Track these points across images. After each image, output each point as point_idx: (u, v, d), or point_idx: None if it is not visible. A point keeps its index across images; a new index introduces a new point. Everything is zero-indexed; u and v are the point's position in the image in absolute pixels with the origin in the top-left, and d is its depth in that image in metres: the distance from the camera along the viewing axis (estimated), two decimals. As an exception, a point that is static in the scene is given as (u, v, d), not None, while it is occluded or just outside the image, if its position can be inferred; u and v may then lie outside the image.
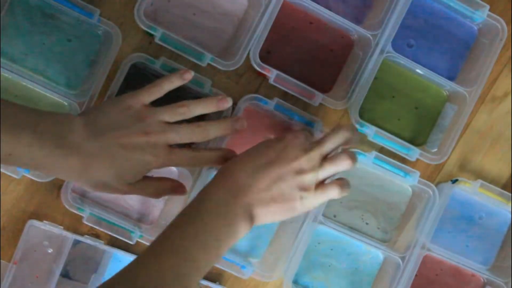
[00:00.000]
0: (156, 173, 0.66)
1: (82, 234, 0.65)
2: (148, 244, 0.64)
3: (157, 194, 0.60)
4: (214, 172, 0.65)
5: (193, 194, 0.64)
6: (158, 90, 0.59)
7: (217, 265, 0.65)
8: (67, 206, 0.62)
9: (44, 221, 0.64)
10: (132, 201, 0.66)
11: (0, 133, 0.49)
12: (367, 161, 0.67)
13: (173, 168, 0.66)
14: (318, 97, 0.65)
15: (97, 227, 0.64)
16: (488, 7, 0.68)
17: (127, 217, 0.66)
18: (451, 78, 0.70)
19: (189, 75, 0.60)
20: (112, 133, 0.55)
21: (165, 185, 0.60)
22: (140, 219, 0.67)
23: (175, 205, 0.65)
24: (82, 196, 0.65)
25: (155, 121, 0.57)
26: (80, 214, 0.63)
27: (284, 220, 0.64)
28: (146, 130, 0.56)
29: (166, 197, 0.66)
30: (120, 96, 0.58)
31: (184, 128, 0.58)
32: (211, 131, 0.59)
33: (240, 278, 0.66)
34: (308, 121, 0.65)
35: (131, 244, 0.65)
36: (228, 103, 0.60)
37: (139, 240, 0.64)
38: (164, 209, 0.67)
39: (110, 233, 0.64)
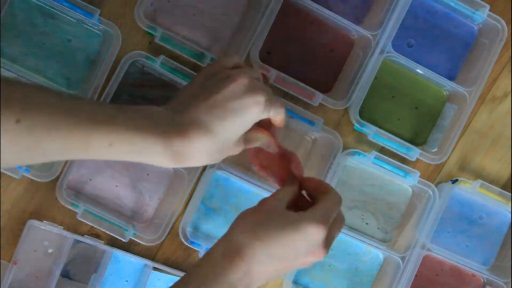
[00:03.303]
0: (152, 172, 0.66)
1: (82, 234, 0.65)
2: (142, 242, 0.64)
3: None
4: (216, 172, 0.65)
5: (196, 192, 0.64)
6: (232, 55, 0.56)
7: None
8: (61, 202, 0.62)
9: (44, 221, 0.64)
10: (127, 199, 0.66)
11: (97, 126, 0.47)
12: (367, 161, 0.67)
13: (169, 168, 0.66)
14: (318, 97, 0.65)
15: (91, 224, 0.64)
16: (488, 7, 0.68)
17: (121, 215, 0.66)
18: (451, 78, 0.70)
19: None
20: (197, 100, 0.51)
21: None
22: (134, 217, 0.67)
23: (169, 204, 0.65)
24: (77, 193, 0.65)
25: (232, 70, 0.53)
26: (75, 210, 0.63)
27: None
28: (230, 78, 0.51)
29: (161, 196, 0.67)
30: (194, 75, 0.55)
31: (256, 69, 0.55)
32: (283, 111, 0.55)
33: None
34: (308, 120, 0.65)
35: (131, 245, 0.65)
36: None
37: (133, 238, 0.64)
38: (158, 208, 0.67)
39: (103, 229, 0.64)
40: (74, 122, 0.46)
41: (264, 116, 0.53)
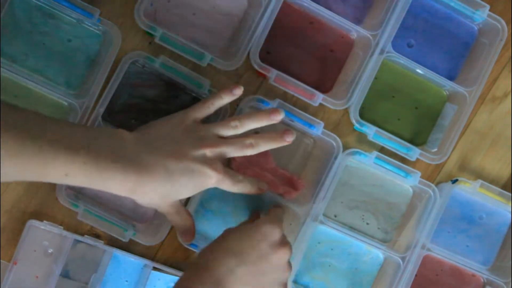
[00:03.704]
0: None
1: (82, 234, 0.65)
2: (142, 242, 0.64)
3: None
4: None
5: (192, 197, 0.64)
6: (208, 107, 0.59)
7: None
8: (61, 202, 0.62)
9: (44, 221, 0.64)
10: (127, 199, 0.66)
11: (56, 156, 0.49)
12: (368, 161, 0.67)
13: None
14: (318, 97, 0.65)
15: (91, 224, 0.64)
16: (488, 7, 0.68)
17: (122, 215, 0.66)
18: (451, 78, 0.70)
19: (239, 91, 0.60)
20: (167, 147, 0.54)
21: None
22: (134, 217, 0.67)
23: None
24: (77, 193, 0.65)
25: (209, 134, 0.57)
26: (75, 210, 0.63)
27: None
28: (202, 143, 0.55)
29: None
30: (169, 115, 0.58)
31: (237, 141, 0.57)
32: (261, 144, 0.59)
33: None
34: (308, 123, 0.65)
35: (131, 245, 0.65)
36: (281, 115, 0.60)
37: (133, 238, 0.64)
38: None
39: (103, 229, 0.64)
40: (33, 151, 0.48)
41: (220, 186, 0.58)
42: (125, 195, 0.54)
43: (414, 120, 0.71)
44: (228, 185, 0.57)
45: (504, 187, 0.72)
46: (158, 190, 0.54)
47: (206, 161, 0.55)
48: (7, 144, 0.46)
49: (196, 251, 0.65)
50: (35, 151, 0.48)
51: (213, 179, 0.56)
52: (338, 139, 0.65)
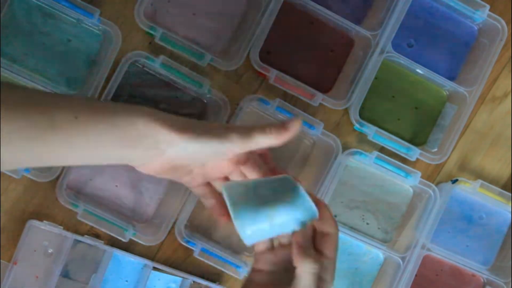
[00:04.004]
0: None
1: (82, 234, 0.65)
2: (142, 242, 0.64)
3: None
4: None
5: (191, 194, 0.64)
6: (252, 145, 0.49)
7: (214, 265, 0.65)
8: (61, 202, 0.62)
9: (44, 221, 0.64)
10: (127, 199, 0.66)
11: (63, 98, 0.45)
12: (368, 161, 0.67)
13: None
14: (318, 97, 0.65)
15: (91, 224, 0.64)
16: (488, 7, 0.68)
17: (121, 215, 0.66)
18: (451, 78, 0.70)
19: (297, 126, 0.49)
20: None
21: None
22: (134, 217, 0.67)
23: (169, 204, 0.65)
24: (77, 193, 0.65)
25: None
26: (75, 210, 0.63)
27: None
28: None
29: (161, 196, 0.67)
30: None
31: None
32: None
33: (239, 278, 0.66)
34: (308, 124, 0.65)
35: (131, 245, 0.65)
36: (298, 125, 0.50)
37: (133, 238, 0.64)
38: (158, 208, 0.67)
39: (103, 229, 0.64)
40: (36, 99, 0.44)
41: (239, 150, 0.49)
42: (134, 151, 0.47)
43: (414, 120, 0.71)
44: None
45: (504, 187, 0.72)
46: (189, 149, 0.47)
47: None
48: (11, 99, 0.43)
49: (195, 249, 0.65)
50: (39, 100, 0.44)
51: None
52: (337, 139, 0.65)
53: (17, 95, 0.44)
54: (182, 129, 0.47)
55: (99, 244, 0.64)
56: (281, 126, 0.48)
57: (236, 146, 0.48)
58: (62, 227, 0.64)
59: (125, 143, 0.46)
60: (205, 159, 0.50)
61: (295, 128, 0.49)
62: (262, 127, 0.48)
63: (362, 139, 0.69)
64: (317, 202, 0.49)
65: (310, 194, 0.48)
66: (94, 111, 0.46)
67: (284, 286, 0.48)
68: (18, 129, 0.43)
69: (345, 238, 0.68)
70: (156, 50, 0.64)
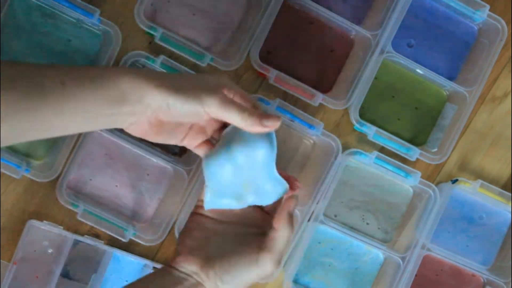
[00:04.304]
0: (152, 172, 0.66)
1: (82, 234, 0.65)
2: (142, 242, 0.64)
3: None
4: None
5: (192, 193, 0.64)
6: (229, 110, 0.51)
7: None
8: (61, 202, 0.62)
9: (44, 221, 0.64)
10: (127, 199, 0.66)
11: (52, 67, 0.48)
12: (368, 161, 0.67)
13: (169, 167, 0.66)
14: (318, 97, 0.65)
15: (91, 224, 0.64)
16: (488, 7, 0.68)
17: (121, 215, 0.66)
18: (451, 78, 0.70)
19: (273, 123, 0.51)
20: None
21: None
22: (134, 217, 0.67)
23: (169, 204, 0.65)
24: (77, 193, 0.65)
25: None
26: (75, 210, 0.63)
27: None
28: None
29: (161, 196, 0.67)
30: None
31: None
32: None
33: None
34: (308, 124, 0.65)
35: (131, 245, 0.65)
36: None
37: (133, 238, 0.64)
38: (158, 208, 0.67)
39: (103, 230, 0.64)
40: (28, 72, 0.46)
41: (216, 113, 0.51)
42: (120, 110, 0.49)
43: (414, 120, 0.71)
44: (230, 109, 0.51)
45: (504, 187, 0.72)
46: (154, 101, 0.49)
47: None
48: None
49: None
50: (27, 67, 0.47)
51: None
52: (337, 139, 0.65)
53: (10, 71, 0.46)
54: (163, 85, 0.49)
55: (99, 244, 0.64)
56: (259, 119, 0.50)
57: (211, 113, 0.50)
58: (62, 227, 0.64)
59: (111, 102, 0.48)
60: (184, 116, 0.51)
61: (271, 127, 0.51)
62: (242, 108, 0.50)
63: (362, 139, 0.69)
64: (288, 178, 0.54)
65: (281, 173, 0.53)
66: (80, 76, 0.48)
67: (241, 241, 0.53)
68: (12, 103, 0.45)
69: (345, 238, 0.68)
70: (156, 50, 0.64)
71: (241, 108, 0.50)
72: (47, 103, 0.46)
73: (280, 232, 0.51)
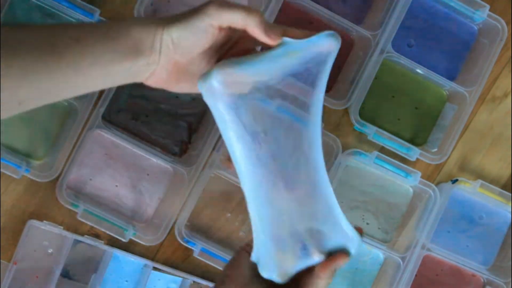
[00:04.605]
0: (152, 172, 0.66)
1: (82, 234, 0.65)
2: (142, 242, 0.64)
3: None
4: (212, 172, 0.65)
5: (192, 193, 0.64)
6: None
7: (214, 265, 0.65)
8: (61, 202, 0.62)
9: (44, 221, 0.64)
10: (127, 199, 0.66)
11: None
12: (368, 161, 0.67)
13: (169, 167, 0.66)
14: (318, 97, 0.65)
15: (91, 224, 0.64)
16: (488, 7, 0.68)
17: (121, 215, 0.66)
18: (451, 78, 0.70)
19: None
20: None
21: None
22: (134, 217, 0.67)
23: (169, 204, 0.65)
24: (77, 193, 0.65)
25: None
26: (75, 210, 0.63)
27: None
28: None
29: (161, 196, 0.67)
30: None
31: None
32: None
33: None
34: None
35: (131, 245, 0.65)
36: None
37: (133, 238, 0.64)
38: (158, 208, 0.67)
39: (103, 230, 0.64)
40: (37, 33, 0.46)
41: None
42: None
43: (414, 120, 0.71)
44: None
45: (504, 187, 0.72)
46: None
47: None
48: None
49: (195, 249, 0.65)
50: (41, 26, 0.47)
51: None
52: (337, 139, 0.65)
53: (19, 34, 0.45)
54: (169, 21, 0.48)
55: (99, 244, 0.64)
56: (267, 29, 0.46)
57: (214, 19, 0.47)
58: (62, 227, 0.64)
59: (126, 55, 0.47)
60: (192, 43, 0.48)
61: (276, 41, 0.46)
62: (249, 9, 0.46)
63: (362, 139, 0.69)
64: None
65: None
66: (92, 32, 0.47)
67: None
68: (30, 63, 0.44)
69: (345, 238, 0.68)
70: (156, 50, 0.64)
71: (247, 9, 0.46)
72: (65, 60, 0.45)
73: (322, 281, 0.48)
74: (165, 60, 0.48)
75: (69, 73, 0.46)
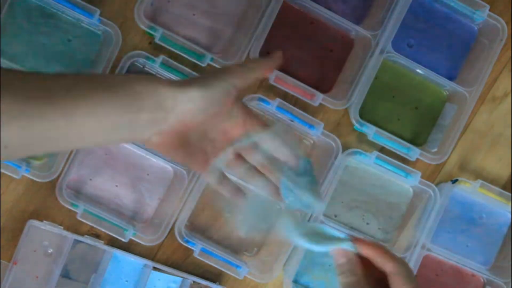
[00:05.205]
0: (152, 172, 0.66)
1: (82, 234, 0.65)
2: (142, 242, 0.64)
3: None
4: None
5: (192, 193, 0.64)
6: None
7: (214, 265, 0.65)
8: (61, 202, 0.62)
9: (44, 221, 0.64)
10: (127, 199, 0.66)
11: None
12: (368, 161, 0.67)
13: (168, 167, 0.66)
14: (318, 97, 0.65)
15: (91, 224, 0.64)
16: (488, 7, 0.68)
17: (121, 215, 0.66)
18: (451, 78, 0.70)
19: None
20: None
21: None
22: (134, 217, 0.67)
23: (169, 204, 0.65)
24: (77, 193, 0.65)
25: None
26: (75, 210, 0.63)
27: (282, 220, 0.62)
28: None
29: (161, 196, 0.67)
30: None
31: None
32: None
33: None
34: (308, 124, 0.65)
35: (131, 245, 0.65)
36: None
37: (133, 238, 0.64)
38: (158, 208, 0.67)
39: (103, 230, 0.64)
40: (34, 78, 0.43)
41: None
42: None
43: (414, 120, 0.71)
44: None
45: (504, 187, 0.72)
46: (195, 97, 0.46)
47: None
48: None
49: (195, 249, 0.65)
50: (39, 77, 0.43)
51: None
52: (337, 139, 0.65)
53: (16, 78, 0.43)
54: (182, 83, 0.46)
55: (99, 244, 0.64)
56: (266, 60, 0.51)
57: (236, 81, 0.48)
58: (62, 227, 0.64)
59: (127, 110, 0.44)
60: (214, 104, 0.47)
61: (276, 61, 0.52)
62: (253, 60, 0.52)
63: (362, 139, 0.69)
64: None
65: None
66: (88, 80, 0.44)
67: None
68: (18, 110, 0.41)
69: (345, 238, 0.68)
70: (156, 50, 0.64)
71: (253, 60, 0.51)
72: (55, 106, 0.42)
73: (399, 269, 0.46)
74: (175, 122, 0.46)
75: (59, 121, 0.42)
